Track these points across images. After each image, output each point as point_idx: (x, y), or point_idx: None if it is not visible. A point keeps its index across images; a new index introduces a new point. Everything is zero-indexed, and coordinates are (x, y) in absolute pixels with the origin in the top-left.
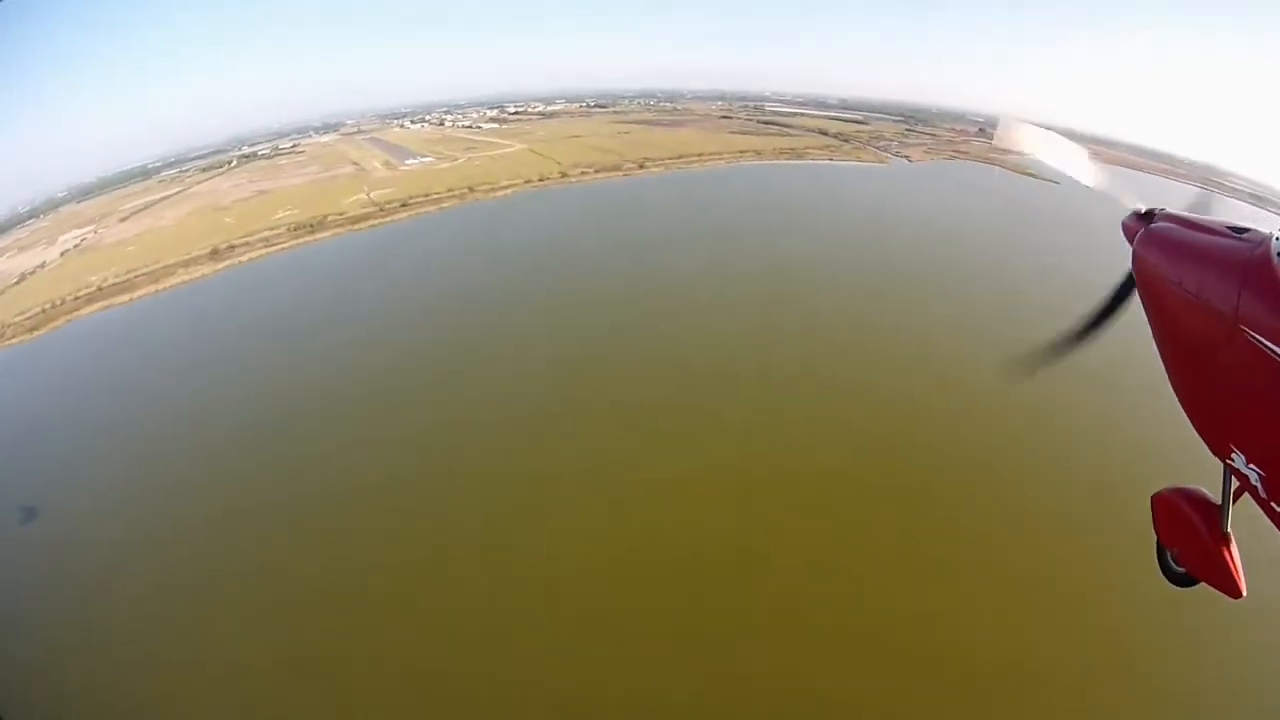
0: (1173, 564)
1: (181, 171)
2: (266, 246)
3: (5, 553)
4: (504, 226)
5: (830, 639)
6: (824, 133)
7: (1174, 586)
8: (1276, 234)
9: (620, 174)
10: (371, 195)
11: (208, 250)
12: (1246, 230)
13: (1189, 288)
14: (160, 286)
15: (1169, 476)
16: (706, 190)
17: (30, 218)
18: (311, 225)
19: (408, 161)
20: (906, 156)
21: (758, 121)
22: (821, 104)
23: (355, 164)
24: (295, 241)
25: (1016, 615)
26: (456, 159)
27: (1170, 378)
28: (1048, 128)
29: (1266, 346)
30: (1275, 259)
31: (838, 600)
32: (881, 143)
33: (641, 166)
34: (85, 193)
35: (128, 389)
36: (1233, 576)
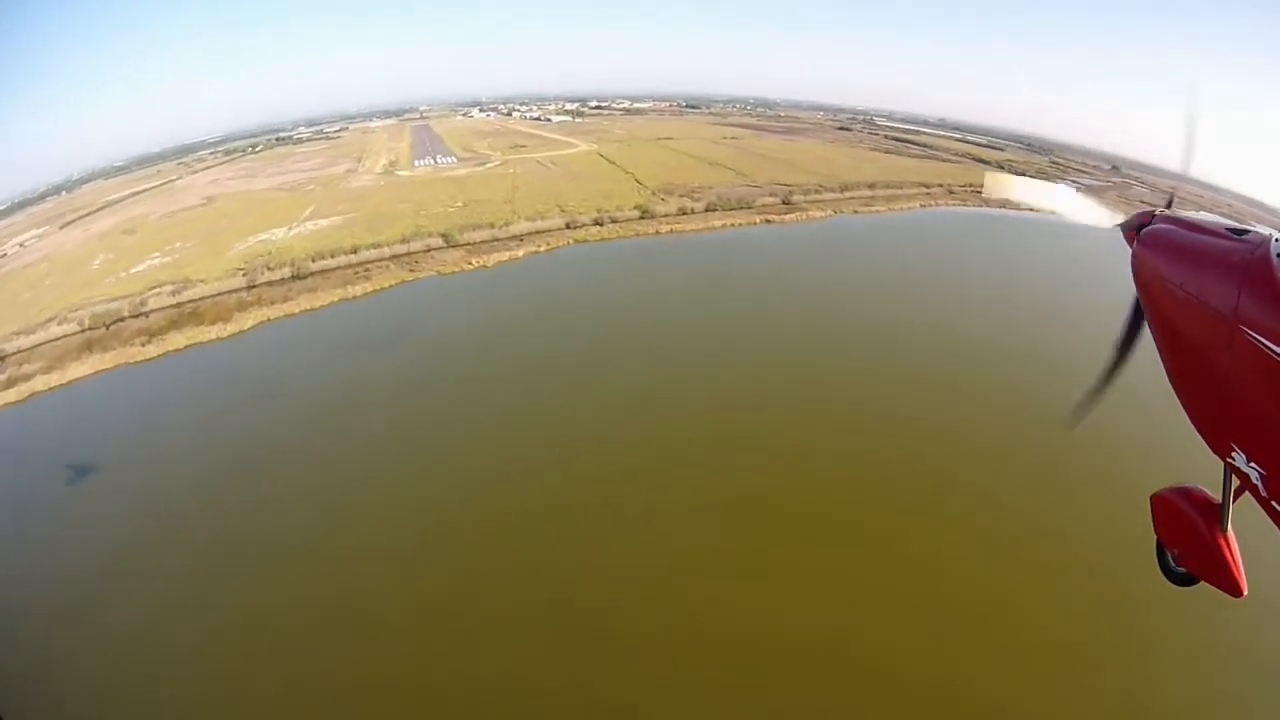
0: (1173, 564)
1: (212, 152)
2: None
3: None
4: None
5: None
6: (979, 160)
7: (1174, 586)
8: (1276, 235)
9: (756, 216)
10: (294, 232)
11: None
12: (1246, 231)
13: (1189, 289)
14: None
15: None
16: (980, 295)
17: (52, 194)
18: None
19: (418, 163)
20: (1162, 209)
21: (885, 138)
22: (924, 122)
23: (358, 161)
24: None
25: None
26: (488, 161)
27: (1169, 377)
28: None
29: (1266, 347)
30: (1275, 260)
31: None
32: (1067, 180)
33: (787, 203)
34: (122, 169)
35: None
36: (1234, 575)
